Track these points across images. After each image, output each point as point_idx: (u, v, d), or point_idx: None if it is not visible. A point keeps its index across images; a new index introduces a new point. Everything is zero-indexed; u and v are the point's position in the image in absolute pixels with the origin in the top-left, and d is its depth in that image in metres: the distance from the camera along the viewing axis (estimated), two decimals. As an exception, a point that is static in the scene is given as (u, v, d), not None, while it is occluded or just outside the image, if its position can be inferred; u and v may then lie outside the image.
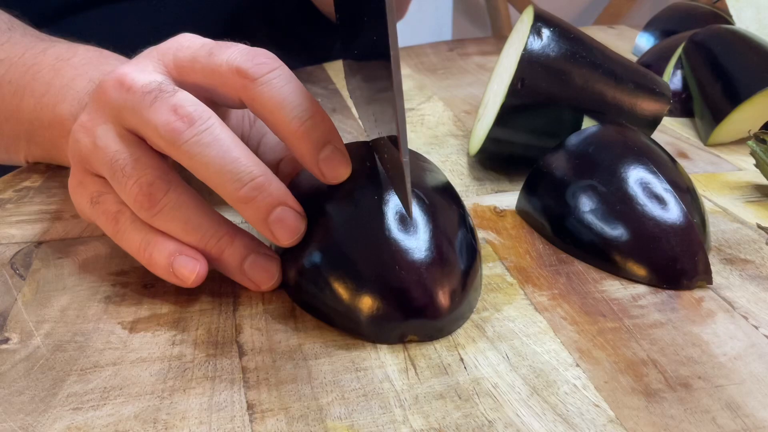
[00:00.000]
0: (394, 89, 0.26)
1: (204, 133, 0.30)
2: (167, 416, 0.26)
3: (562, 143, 0.39)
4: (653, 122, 0.45)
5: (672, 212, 0.34)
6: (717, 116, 0.49)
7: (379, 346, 0.30)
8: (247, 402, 0.27)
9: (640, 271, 0.34)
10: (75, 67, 0.41)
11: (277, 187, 0.31)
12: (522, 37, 0.42)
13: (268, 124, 0.32)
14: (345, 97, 0.60)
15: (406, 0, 0.76)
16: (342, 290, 0.30)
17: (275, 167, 0.38)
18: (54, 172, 0.46)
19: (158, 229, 0.32)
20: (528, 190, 0.40)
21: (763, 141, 0.42)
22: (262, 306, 0.32)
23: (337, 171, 0.32)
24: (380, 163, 0.33)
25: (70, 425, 0.26)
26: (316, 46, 0.73)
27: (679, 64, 0.56)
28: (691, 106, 0.55)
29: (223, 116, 0.37)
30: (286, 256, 0.33)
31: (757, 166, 0.43)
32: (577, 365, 0.29)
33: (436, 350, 0.29)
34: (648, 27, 0.72)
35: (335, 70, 0.67)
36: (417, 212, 0.31)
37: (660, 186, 0.34)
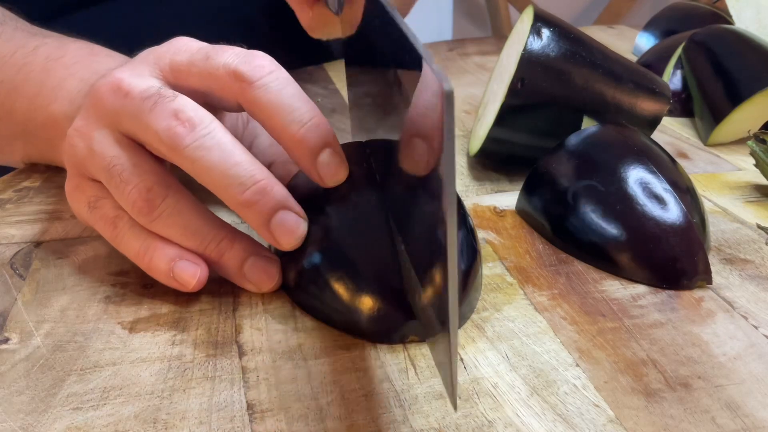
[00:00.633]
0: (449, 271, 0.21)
1: (206, 138, 0.30)
2: (167, 416, 0.26)
3: (562, 143, 0.39)
4: (653, 122, 0.45)
5: (672, 212, 0.34)
6: (717, 116, 0.49)
7: (379, 346, 0.30)
8: (246, 402, 0.27)
9: (639, 270, 0.34)
10: (66, 67, 0.41)
11: (279, 191, 0.31)
12: (522, 37, 0.42)
13: (265, 127, 0.32)
14: (345, 96, 0.60)
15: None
16: (342, 291, 0.30)
17: (267, 166, 0.38)
18: (54, 172, 0.46)
19: (157, 233, 0.32)
20: (528, 190, 0.40)
21: (762, 141, 0.42)
22: (262, 306, 0.32)
23: (334, 175, 0.32)
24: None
25: (70, 425, 0.26)
26: (316, 47, 0.73)
27: (678, 64, 0.56)
28: (691, 106, 0.55)
29: (219, 119, 0.37)
30: (286, 257, 0.33)
31: (756, 166, 0.43)
32: (577, 365, 0.29)
33: (436, 350, 0.29)
34: (648, 27, 0.72)
35: (335, 70, 0.67)
36: None
37: (660, 186, 0.35)
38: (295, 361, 0.29)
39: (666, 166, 0.36)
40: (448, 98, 0.19)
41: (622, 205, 0.35)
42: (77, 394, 0.27)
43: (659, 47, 0.62)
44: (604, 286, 0.34)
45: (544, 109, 0.42)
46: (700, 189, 0.43)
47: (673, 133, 0.53)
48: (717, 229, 0.39)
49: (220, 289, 0.34)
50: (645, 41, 0.71)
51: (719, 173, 0.46)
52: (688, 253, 0.33)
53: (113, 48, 0.44)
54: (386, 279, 0.30)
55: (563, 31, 0.42)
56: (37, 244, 0.38)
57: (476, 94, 0.61)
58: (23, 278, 0.35)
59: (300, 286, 0.32)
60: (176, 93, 0.31)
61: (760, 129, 0.48)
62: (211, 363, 0.29)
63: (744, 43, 0.52)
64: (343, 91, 0.61)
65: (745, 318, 0.31)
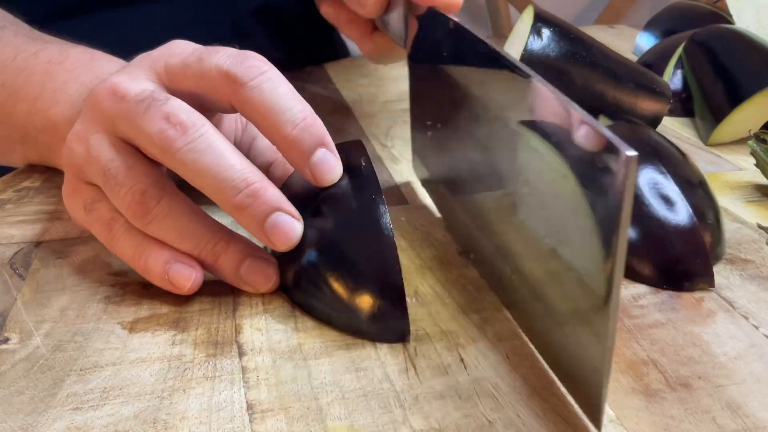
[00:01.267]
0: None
1: (198, 141, 0.30)
2: (167, 416, 0.26)
3: None
4: (653, 122, 0.45)
5: (678, 213, 0.34)
6: (717, 116, 0.49)
7: (379, 346, 0.30)
8: (247, 402, 0.27)
9: (642, 270, 0.34)
10: (67, 71, 0.41)
11: (272, 193, 0.31)
12: (522, 37, 0.42)
13: (259, 127, 0.32)
14: (345, 96, 0.60)
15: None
16: (341, 290, 0.30)
17: (266, 170, 0.38)
18: (53, 172, 0.46)
19: (153, 236, 0.32)
20: None
21: (763, 141, 0.42)
22: (262, 306, 0.32)
23: (327, 174, 0.32)
24: None
25: (69, 425, 0.26)
26: (316, 48, 0.73)
27: (679, 64, 0.56)
28: (692, 106, 0.55)
29: (216, 121, 0.37)
30: (285, 257, 0.33)
31: (757, 165, 0.43)
32: (578, 365, 0.29)
33: (437, 350, 0.29)
34: (648, 27, 0.72)
35: (335, 70, 0.67)
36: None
37: (668, 186, 0.34)
38: (295, 361, 0.29)
39: (677, 164, 0.36)
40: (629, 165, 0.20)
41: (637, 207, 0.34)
42: (77, 394, 0.27)
43: (659, 47, 0.62)
44: (604, 286, 0.34)
45: None
46: (701, 189, 0.43)
47: (673, 132, 0.53)
48: (717, 229, 0.39)
49: (220, 289, 0.34)
50: (645, 41, 0.71)
51: (720, 173, 0.46)
52: (692, 256, 0.33)
53: (113, 53, 0.44)
54: (386, 277, 0.30)
55: (563, 31, 0.42)
56: (37, 244, 0.38)
57: (476, 94, 0.61)
58: (23, 278, 0.35)
59: (299, 286, 0.32)
60: (169, 96, 0.31)
61: (761, 129, 0.48)
62: (211, 363, 0.29)
63: (744, 42, 0.52)
64: (344, 91, 0.61)
65: (746, 318, 0.31)
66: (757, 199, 0.43)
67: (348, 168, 0.33)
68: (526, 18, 0.43)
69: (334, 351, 0.29)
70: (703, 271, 0.33)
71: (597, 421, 0.24)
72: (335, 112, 0.56)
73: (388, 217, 0.31)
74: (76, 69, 0.41)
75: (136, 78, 0.32)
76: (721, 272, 0.35)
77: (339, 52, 0.78)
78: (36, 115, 0.41)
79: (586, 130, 0.22)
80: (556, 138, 0.24)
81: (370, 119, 0.55)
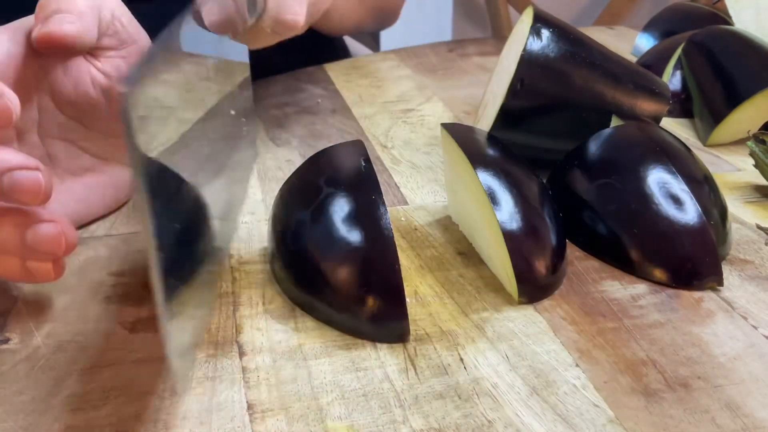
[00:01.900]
0: None
1: None
2: (167, 416, 0.26)
3: (585, 142, 0.39)
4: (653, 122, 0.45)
5: (687, 213, 0.34)
6: (716, 117, 0.49)
7: (379, 346, 0.30)
8: (247, 402, 0.27)
9: (652, 269, 0.34)
10: None
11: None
12: (522, 38, 0.42)
13: None
14: (345, 97, 0.60)
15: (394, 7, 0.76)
16: (341, 290, 0.30)
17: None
18: (54, 172, 0.46)
19: None
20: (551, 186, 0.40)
21: (762, 141, 0.42)
22: (262, 306, 0.32)
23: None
24: None
25: (70, 425, 0.26)
26: (318, 49, 0.73)
27: (678, 65, 0.56)
28: (691, 107, 0.55)
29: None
30: (285, 257, 0.33)
31: (756, 166, 0.43)
32: (577, 365, 0.29)
33: (436, 350, 0.29)
34: (647, 28, 0.72)
35: (336, 71, 0.67)
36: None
37: (677, 186, 0.35)
38: (296, 361, 0.29)
39: (685, 162, 0.37)
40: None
41: (637, 204, 0.35)
42: (78, 395, 0.27)
43: (659, 48, 0.62)
44: (603, 286, 0.34)
45: (544, 109, 0.42)
46: (700, 189, 0.43)
47: (672, 133, 0.53)
48: (716, 229, 0.39)
49: (221, 289, 0.34)
50: (645, 42, 0.71)
51: (719, 174, 0.46)
52: (701, 254, 0.33)
53: None
54: (387, 278, 0.30)
55: (563, 32, 0.42)
56: (38, 244, 0.38)
57: (476, 95, 0.61)
58: (24, 278, 0.35)
59: (299, 286, 0.32)
60: None
61: (760, 129, 0.48)
62: (211, 363, 0.29)
63: (743, 43, 0.52)
64: (344, 92, 0.61)
65: (745, 318, 0.32)
66: (756, 199, 0.43)
67: (348, 168, 0.33)
68: (526, 19, 0.43)
69: (334, 351, 0.30)
70: (712, 270, 0.33)
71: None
72: (335, 112, 0.57)
73: (388, 217, 0.31)
74: None
75: None
76: (720, 272, 0.35)
77: (340, 53, 0.78)
78: None
79: None
80: None
81: (370, 120, 0.55)
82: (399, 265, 0.30)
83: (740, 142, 0.50)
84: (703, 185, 0.36)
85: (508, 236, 0.31)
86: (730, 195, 0.43)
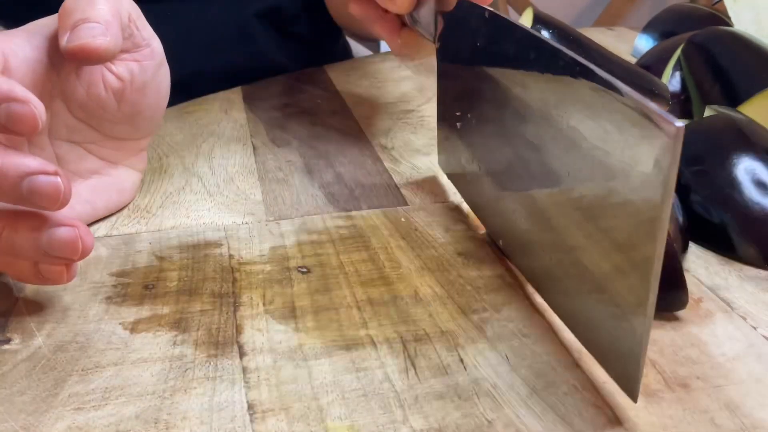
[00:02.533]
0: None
1: None
2: (168, 416, 0.26)
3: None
4: None
5: None
6: (716, 118, 0.50)
7: (379, 345, 0.30)
8: (247, 402, 0.27)
9: (747, 249, 0.36)
10: None
11: (17, 160, 0.28)
12: None
13: None
14: (345, 98, 0.60)
15: None
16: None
17: None
18: (55, 173, 0.46)
19: None
20: None
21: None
22: (262, 306, 0.33)
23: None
24: None
25: (71, 425, 0.26)
26: (317, 49, 0.74)
27: (677, 66, 0.56)
28: (690, 107, 0.55)
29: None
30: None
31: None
32: (577, 365, 0.29)
33: (436, 350, 0.30)
34: (647, 28, 0.73)
35: (336, 72, 0.67)
36: None
37: (764, 172, 0.37)
38: (296, 362, 0.29)
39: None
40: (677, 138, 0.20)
41: (730, 189, 0.37)
42: (79, 395, 0.27)
43: (658, 49, 0.62)
44: (603, 286, 0.34)
45: None
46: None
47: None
48: (716, 230, 0.39)
49: (221, 289, 0.34)
50: (644, 43, 0.71)
51: (718, 174, 0.46)
52: None
53: None
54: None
55: (562, 33, 0.42)
56: (38, 244, 0.38)
57: (476, 96, 0.61)
58: (24, 279, 0.35)
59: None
60: None
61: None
62: (212, 363, 0.29)
63: (743, 44, 0.52)
64: (344, 93, 0.61)
65: (744, 318, 0.32)
66: (756, 200, 0.43)
67: None
68: (526, 20, 0.43)
69: (335, 351, 0.30)
70: None
71: (634, 393, 0.25)
72: (335, 113, 0.57)
73: None
74: None
75: None
76: (719, 273, 0.35)
77: (342, 54, 0.78)
78: None
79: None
80: (606, 124, 0.25)
81: (370, 121, 0.55)
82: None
83: (739, 142, 0.50)
84: None
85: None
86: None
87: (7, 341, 0.30)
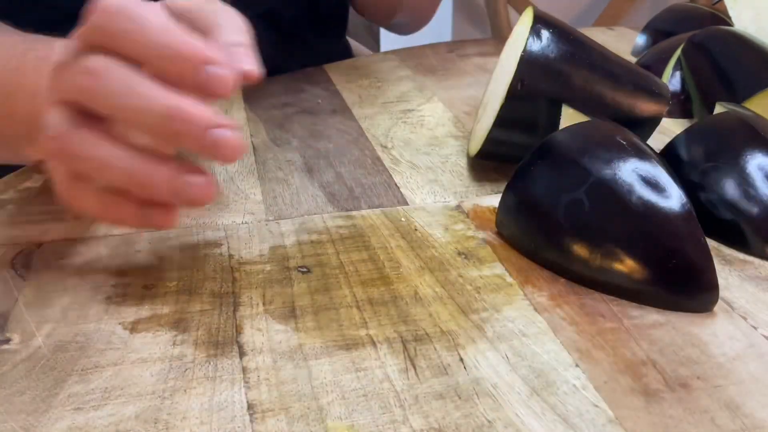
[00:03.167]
0: None
1: (114, 83, 0.31)
2: (168, 416, 0.26)
3: (687, 130, 0.41)
4: (652, 123, 0.45)
5: None
6: (716, 117, 0.49)
7: (379, 345, 0.30)
8: (247, 402, 0.27)
9: (761, 246, 0.36)
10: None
11: (202, 112, 0.31)
12: (521, 39, 0.42)
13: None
14: (345, 98, 0.60)
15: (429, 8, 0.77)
16: (650, 262, 0.32)
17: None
18: (54, 173, 0.46)
19: (82, 171, 0.32)
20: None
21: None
22: (262, 306, 0.33)
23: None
24: None
25: (71, 425, 0.26)
26: (317, 49, 0.73)
27: (678, 66, 0.56)
28: (690, 107, 0.55)
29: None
30: (572, 238, 0.34)
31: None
32: (577, 365, 0.29)
33: (436, 350, 0.30)
34: (647, 28, 0.73)
35: (336, 71, 0.67)
36: None
37: None
38: (296, 361, 0.29)
39: None
40: None
41: (743, 186, 0.37)
42: (78, 395, 0.27)
43: (658, 48, 0.62)
44: (603, 286, 0.34)
45: (544, 110, 0.42)
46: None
47: (672, 134, 0.53)
48: (716, 229, 0.39)
49: (221, 289, 0.34)
50: (644, 42, 0.71)
51: (718, 174, 0.46)
52: None
53: None
54: (695, 245, 0.32)
55: (562, 33, 0.42)
56: (39, 244, 0.38)
57: (476, 96, 0.61)
58: (24, 279, 0.35)
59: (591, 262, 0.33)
60: (88, 53, 0.32)
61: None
62: (211, 363, 0.29)
63: (743, 44, 0.52)
64: (344, 93, 0.61)
65: (744, 318, 0.32)
66: (756, 200, 0.43)
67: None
68: (526, 19, 0.43)
69: (334, 351, 0.30)
70: None
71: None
72: (335, 113, 0.57)
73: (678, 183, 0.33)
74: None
75: (69, 48, 0.33)
76: (719, 273, 0.35)
77: (343, 56, 0.78)
78: (37, 111, 0.42)
79: None
80: None
81: (370, 120, 0.55)
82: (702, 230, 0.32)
83: (740, 142, 0.50)
84: None
85: None
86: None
87: (7, 341, 0.30)
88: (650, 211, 0.33)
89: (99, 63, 0.31)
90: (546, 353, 0.29)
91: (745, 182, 0.37)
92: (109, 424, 0.26)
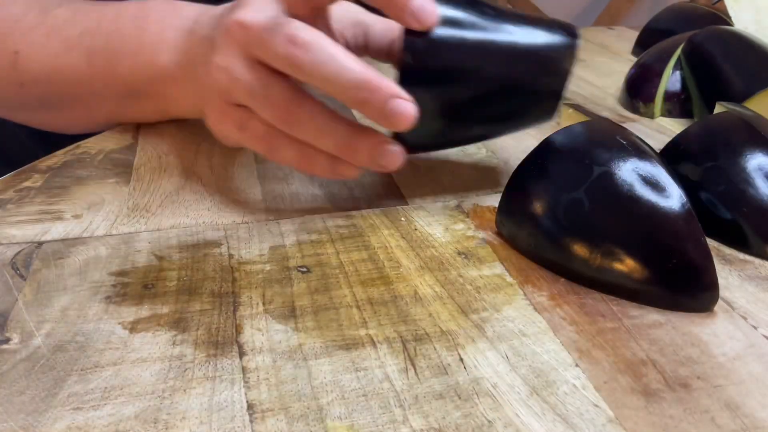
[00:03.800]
0: None
1: (319, 54, 0.34)
2: (168, 416, 0.26)
3: (687, 129, 0.41)
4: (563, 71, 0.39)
5: None
6: (716, 117, 0.49)
7: (378, 345, 0.30)
8: (247, 402, 0.27)
9: (761, 246, 0.36)
10: (157, 22, 0.46)
11: (387, 85, 0.35)
12: None
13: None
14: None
15: None
16: (651, 261, 0.32)
17: (389, 47, 0.45)
18: (54, 172, 0.46)
19: (300, 138, 0.37)
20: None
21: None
22: (262, 306, 0.32)
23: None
24: None
25: (70, 425, 0.26)
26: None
27: (678, 65, 0.56)
28: (690, 107, 0.55)
29: (328, 26, 0.40)
30: (576, 237, 0.34)
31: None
32: (577, 365, 0.29)
33: (436, 350, 0.30)
34: (647, 28, 0.73)
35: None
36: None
37: None
38: (296, 361, 0.29)
39: None
40: None
41: (743, 185, 0.37)
42: (78, 394, 0.27)
43: (658, 49, 0.62)
44: (603, 286, 0.34)
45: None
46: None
47: (672, 133, 0.53)
48: (716, 229, 0.39)
49: (221, 289, 0.34)
50: (644, 42, 0.71)
51: (718, 174, 0.46)
52: None
53: None
54: (695, 244, 0.32)
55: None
56: (38, 244, 0.38)
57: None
58: (24, 278, 0.35)
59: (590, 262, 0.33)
60: (289, 19, 0.35)
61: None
62: (211, 363, 0.29)
63: (743, 44, 0.52)
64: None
65: (745, 318, 0.32)
66: (756, 199, 0.43)
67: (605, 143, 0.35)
68: None
69: (334, 351, 0.30)
70: None
71: None
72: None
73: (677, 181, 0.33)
74: (164, 18, 0.46)
75: (259, 9, 0.37)
76: (719, 273, 0.35)
77: None
78: (141, 69, 0.46)
79: None
80: None
81: (370, 120, 0.55)
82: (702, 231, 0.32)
83: (740, 142, 0.50)
84: None
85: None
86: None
87: (6, 341, 0.30)
88: (650, 210, 0.33)
89: (306, 35, 0.35)
90: (546, 353, 0.29)
91: (745, 182, 0.37)
92: (108, 423, 0.26)
